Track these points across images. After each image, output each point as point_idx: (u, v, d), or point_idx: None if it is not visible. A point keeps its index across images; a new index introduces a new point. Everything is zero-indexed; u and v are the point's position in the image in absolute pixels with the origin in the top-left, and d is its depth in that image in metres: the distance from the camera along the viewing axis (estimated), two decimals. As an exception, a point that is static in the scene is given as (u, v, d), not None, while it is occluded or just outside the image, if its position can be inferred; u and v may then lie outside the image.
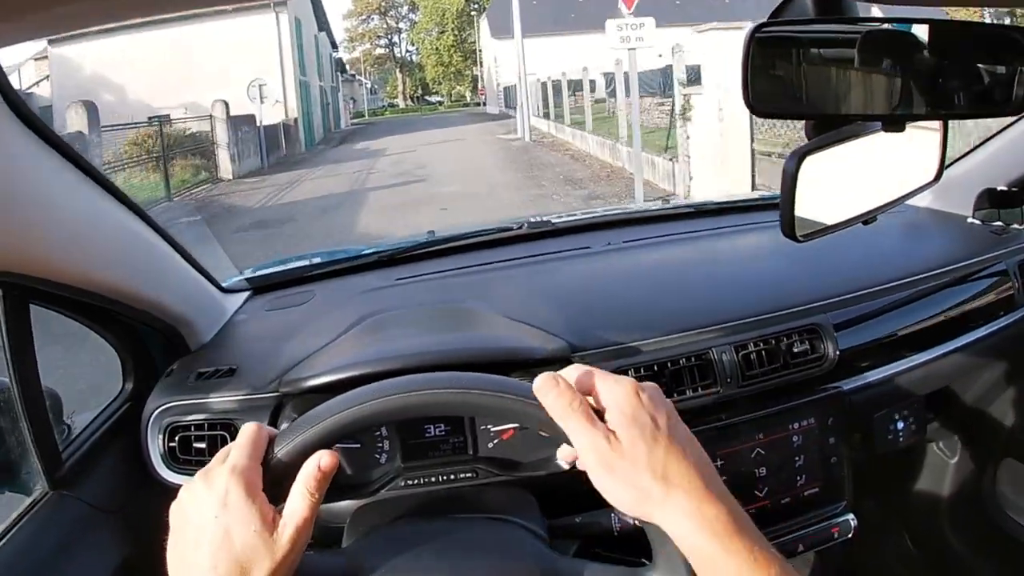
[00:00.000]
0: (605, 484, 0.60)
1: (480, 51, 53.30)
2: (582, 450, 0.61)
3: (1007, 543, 1.54)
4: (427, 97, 71.22)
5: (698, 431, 1.03)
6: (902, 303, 1.28)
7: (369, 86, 70.32)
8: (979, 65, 0.81)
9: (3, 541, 0.88)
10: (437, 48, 63.15)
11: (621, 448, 0.59)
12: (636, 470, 0.58)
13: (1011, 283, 1.40)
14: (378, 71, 73.47)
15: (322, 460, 0.63)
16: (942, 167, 0.95)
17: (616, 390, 0.62)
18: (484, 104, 49.16)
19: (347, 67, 63.07)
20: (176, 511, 0.62)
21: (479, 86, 58.74)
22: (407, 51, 72.44)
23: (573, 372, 0.66)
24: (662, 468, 0.58)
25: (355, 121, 46.12)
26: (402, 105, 69.08)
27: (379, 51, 71.35)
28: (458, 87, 66.41)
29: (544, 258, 1.44)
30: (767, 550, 0.57)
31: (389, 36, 70.68)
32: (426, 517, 0.85)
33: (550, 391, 0.62)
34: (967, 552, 1.63)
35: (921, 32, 0.79)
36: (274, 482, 0.64)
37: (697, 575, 0.58)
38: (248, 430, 0.65)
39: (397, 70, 71.94)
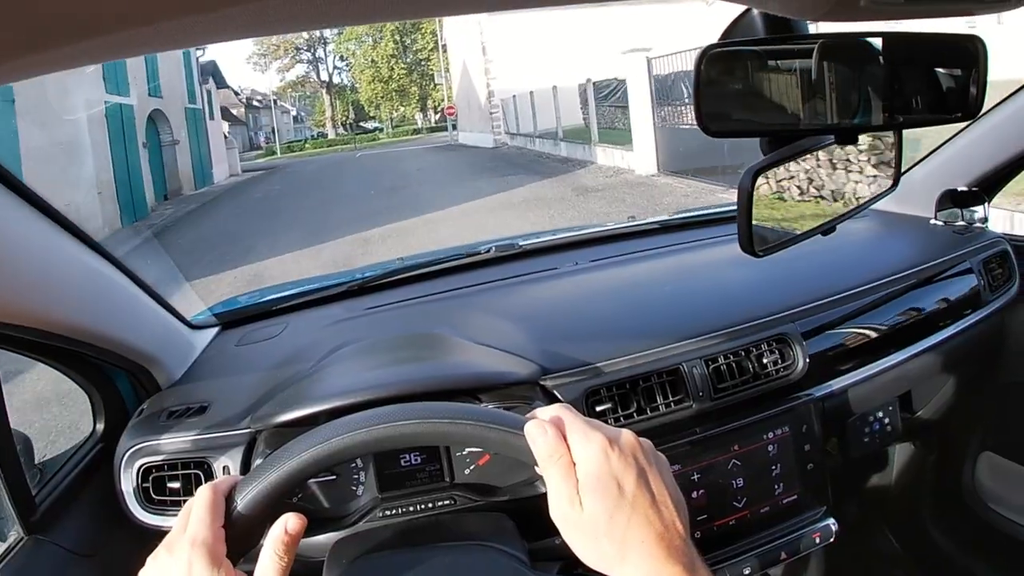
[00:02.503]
0: (568, 538, 0.61)
1: (444, 47, 35.62)
2: (551, 501, 0.62)
3: (990, 535, 1.55)
4: (362, 123, 57.70)
5: (673, 446, 1.06)
6: (870, 307, 1.29)
7: (294, 113, 59.53)
8: (932, 73, 0.83)
9: None
10: (373, 60, 49.88)
11: (583, 516, 0.59)
12: (596, 534, 0.59)
13: (976, 281, 1.42)
14: (302, 95, 60.03)
15: (288, 523, 0.64)
16: (898, 174, 0.97)
17: (586, 448, 0.62)
18: (455, 129, 31.75)
19: (267, 93, 53.73)
20: None
21: (440, 104, 44.58)
22: (335, 67, 57.59)
23: (554, 412, 0.66)
24: (621, 534, 0.59)
25: (256, 163, 32.28)
26: (331, 135, 54.29)
27: (299, 68, 56.48)
28: (402, 108, 52.85)
29: (512, 281, 1.44)
30: None
31: (312, 49, 55.52)
32: (404, 547, 0.85)
33: (538, 437, 0.63)
34: (951, 547, 1.65)
35: (874, 44, 0.81)
36: (238, 538, 0.63)
37: None
38: (203, 495, 0.65)
39: (323, 91, 56.95)
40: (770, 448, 1.12)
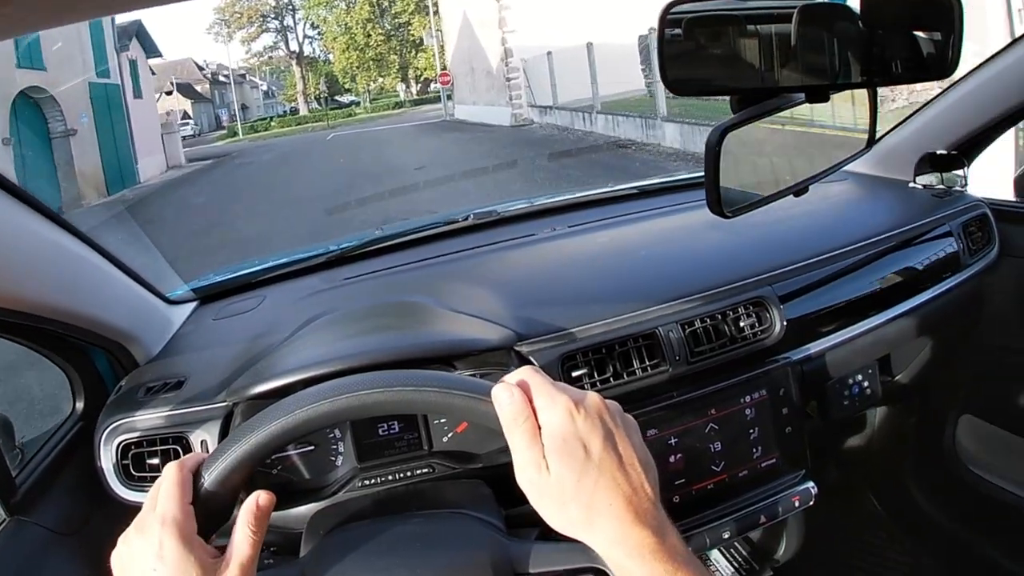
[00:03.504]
0: (536, 503, 0.61)
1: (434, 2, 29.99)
2: (517, 467, 0.61)
3: (969, 496, 1.58)
4: (337, 97, 50.80)
5: (650, 410, 1.06)
6: (848, 270, 1.29)
7: (264, 88, 52.54)
8: (907, 32, 0.82)
9: None
10: (347, 25, 44.02)
11: (550, 480, 0.59)
12: (563, 499, 0.59)
13: (956, 244, 1.42)
14: (274, 69, 52.60)
15: (260, 499, 0.64)
16: (872, 136, 0.97)
17: (551, 411, 0.61)
18: (451, 100, 25.96)
19: (235, 67, 47.98)
20: (116, 563, 0.63)
21: (423, 73, 41.32)
22: (306, 36, 49.74)
23: (521, 376, 0.65)
24: (588, 498, 0.58)
25: (208, 149, 26.70)
26: (304, 111, 46.93)
27: (266, 39, 48.80)
28: (380, 79, 46.28)
29: (489, 248, 1.44)
30: (690, 566, 0.58)
31: (279, 17, 48.16)
32: (381, 517, 0.84)
33: (503, 401, 0.62)
34: (932, 509, 1.67)
35: (851, 3, 0.80)
36: (209, 514, 0.64)
37: None
38: (170, 473, 0.65)
39: (294, 63, 49.23)
40: (747, 412, 1.13)
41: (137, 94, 18.73)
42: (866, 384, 1.33)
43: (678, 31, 0.72)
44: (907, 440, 1.68)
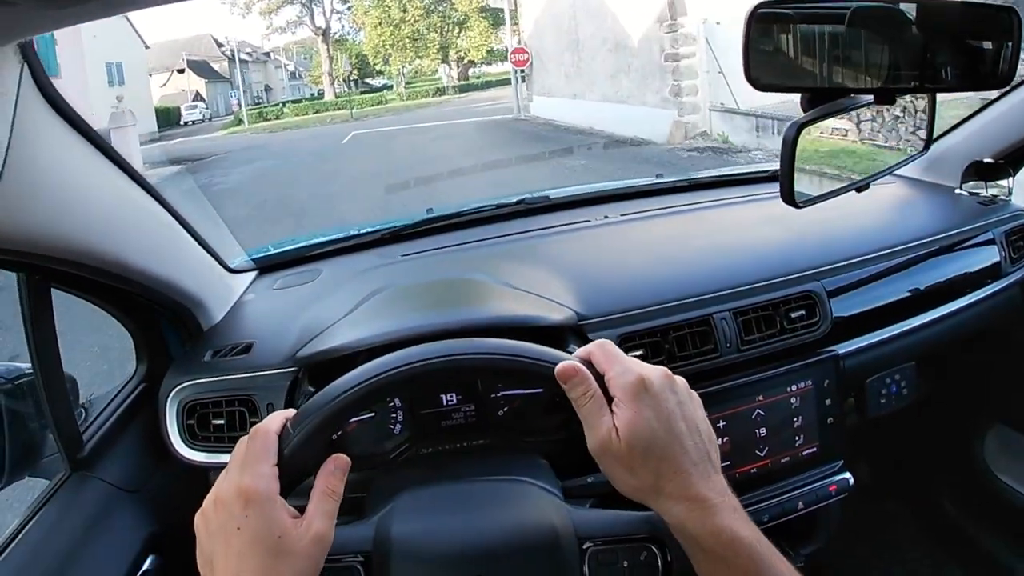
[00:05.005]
0: (606, 470, 0.65)
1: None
2: (589, 438, 0.65)
3: (996, 504, 1.60)
4: (368, 80, 44.86)
5: (700, 393, 1.09)
6: (893, 271, 1.32)
7: (291, 68, 48.27)
8: (965, 41, 0.85)
9: (29, 524, 0.91)
10: None
11: (621, 447, 0.63)
12: (632, 468, 0.63)
13: (998, 252, 1.44)
14: (306, 49, 46.46)
15: (338, 460, 0.67)
16: (930, 139, 1.00)
17: (624, 382, 0.65)
18: (523, 81, 18.10)
19: (260, 45, 43.26)
20: (201, 522, 0.64)
21: (466, 54, 36.26)
22: (334, 10, 41.52)
23: (593, 348, 0.69)
24: (657, 464, 0.62)
25: (186, 147, 20.01)
26: (330, 95, 39.08)
27: (289, 12, 40.58)
28: (417, 60, 38.79)
29: (544, 232, 1.47)
30: (750, 528, 0.62)
31: None
32: (444, 482, 0.87)
33: (570, 378, 0.66)
34: (958, 514, 1.69)
35: (910, 10, 0.84)
36: (288, 476, 0.65)
37: (688, 555, 0.64)
38: (258, 436, 0.66)
39: (319, 40, 41.23)
40: (792, 400, 1.16)
41: (50, 71, 12.40)
42: (903, 383, 1.36)
43: (762, 28, 0.75)
44: (938, 444, 1.69)
